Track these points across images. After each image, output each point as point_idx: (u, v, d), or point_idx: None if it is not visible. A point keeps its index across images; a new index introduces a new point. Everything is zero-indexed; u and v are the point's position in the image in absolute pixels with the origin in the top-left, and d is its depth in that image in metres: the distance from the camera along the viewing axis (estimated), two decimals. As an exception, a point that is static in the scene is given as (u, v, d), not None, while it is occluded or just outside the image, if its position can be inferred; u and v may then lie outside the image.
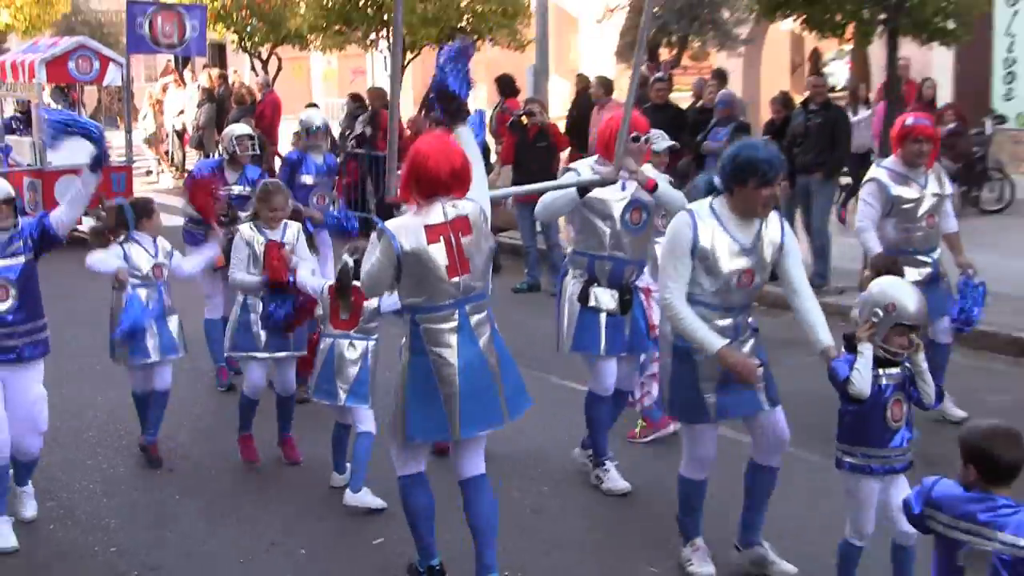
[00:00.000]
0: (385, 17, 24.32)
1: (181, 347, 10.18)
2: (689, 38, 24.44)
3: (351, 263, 8.79)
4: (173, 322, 10.11)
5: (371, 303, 8.86)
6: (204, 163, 14.26)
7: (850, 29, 15.84)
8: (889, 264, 8.44)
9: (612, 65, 30.07)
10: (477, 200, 7.07)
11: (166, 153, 31.38)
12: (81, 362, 12.83)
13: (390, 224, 6.98)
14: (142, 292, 9.87)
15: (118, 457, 10.38)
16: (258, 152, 13.51)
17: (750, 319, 7.55)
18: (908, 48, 16.98)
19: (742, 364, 7.11)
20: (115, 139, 27.39)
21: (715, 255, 7.19)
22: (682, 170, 17.51)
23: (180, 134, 30.54)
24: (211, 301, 12.46)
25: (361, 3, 24.64)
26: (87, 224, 17.73)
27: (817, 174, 15.70)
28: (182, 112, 30.30)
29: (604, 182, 8.53)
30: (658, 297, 7.52)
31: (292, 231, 10.06)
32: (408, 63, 25.60)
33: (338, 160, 14.85)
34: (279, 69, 31.18)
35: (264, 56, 31.01)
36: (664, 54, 24.72)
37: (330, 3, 24.98)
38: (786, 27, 24.67)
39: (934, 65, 24.83)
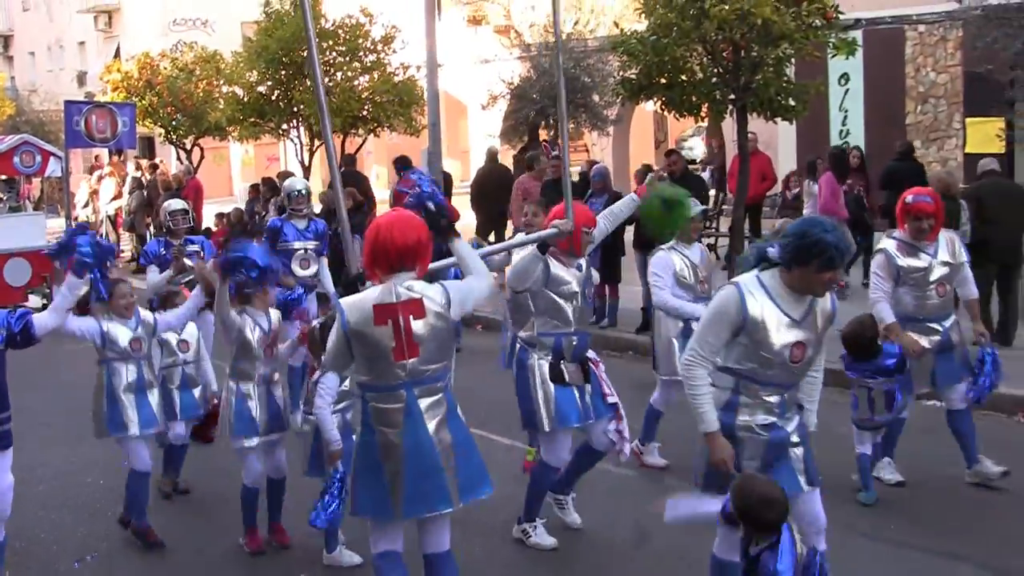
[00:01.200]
0: (295, 109, 24.40)
1: (162, 422, 9.43)
2: (565, 120, 24.54)
3: (317, 330, 8.21)
4: (154, 396, 9.31)
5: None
6: (150, 243, 13.67)
7: (705, 108, 16.00)
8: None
9: (497, 145, 30.22)
10: (449, 286, 6.48)
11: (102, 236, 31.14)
12: (31, 422, 12.31)
13: (344, 301, 6.52)
14: (120, 367, 9.16)
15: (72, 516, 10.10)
16: (191, 224, 13.31)
17: (799, 395, 6.68)
18: (756, 124, 17.18)
19: (721, 462, 6.39)
20: (57, 224, 27.31)
21: (765, 328, 6.32)
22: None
23: (113, 219, 30.31)
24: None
25: (273, 98, 24.70)
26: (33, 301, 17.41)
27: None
28: (115, 198, 30.10)
29: (561, 233, 8.15)
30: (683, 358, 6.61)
31: (275, 318, 9.14)
32: (316, 150, 25.62)
33: (326, 226, 13.89)
34: (202, 158, 31.15)
35: (188, 147, 30.92)
36: (543, 134, 24.81)
37: (246, 98, 25.03)
38: (650, 108, 24.90)
39: (779, 137, 25.20)
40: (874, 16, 23.36)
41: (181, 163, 31.40)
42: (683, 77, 15.32)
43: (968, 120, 23.19)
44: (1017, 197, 14.84)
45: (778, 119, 15.99)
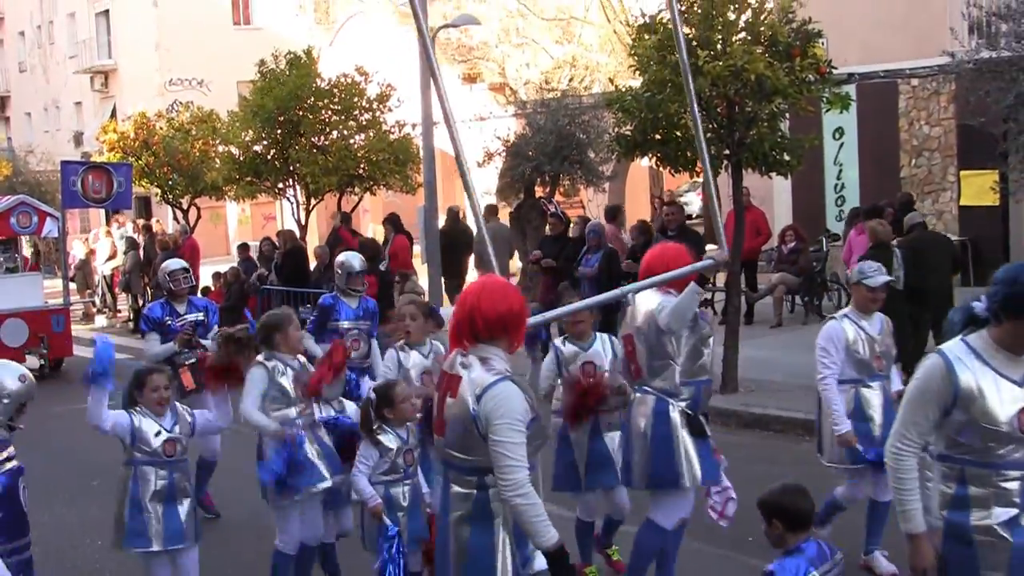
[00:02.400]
0: (291, 168, 24.50)
1: (192, 536, 8.16)
2: (560, 176, 24.65)
3: (374, 398, 7.97)
4: (184, 507, 8.12)
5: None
6: (151, 305, 12.44)
7: (699, 164, 16.07)
8: None
9: (493, 203, 30.33)
10: (496, 392, 5.59)
11: (97, 295, 31.23)
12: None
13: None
14: (149, 472, 7.99)
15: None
16: (193, 284, 12.49)
17: None
18: (750, 179, 17.26)
19: (922, 560, 5.51)
20: (55, 285, 27.36)
21: (984, 398, 5.30)
22: (562, 294, 17.66)
23: (109, 279, 30.43)
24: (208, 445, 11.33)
25: (269, 157, 24.81)
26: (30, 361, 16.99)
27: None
28: (111, 258, 30.25)
29: (717, 265, 8.03)
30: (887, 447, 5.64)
31: (304, 361, 8.82)
32: (312, 208, 25.72)
33: (373, 304, 12.82)
34: (198, 217, 31.20)
35: (184, 206, 31.01)
36: (539, 191, 24.91)
37: (242, 158, 25.12)
38: (645, 164, 25.03)
39: (775, 192, 25.29)
40: (867, 70, 23.51)
41: (177, 223, 31.50)
42: (678, 133, 15.41)
43: (962, 173, 23.32)
44: (945, 246, 16.07)
45: (773, 174, 16.05)
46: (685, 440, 7.99)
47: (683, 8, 14.95)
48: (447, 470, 5.92)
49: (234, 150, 25.99)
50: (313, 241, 27.32)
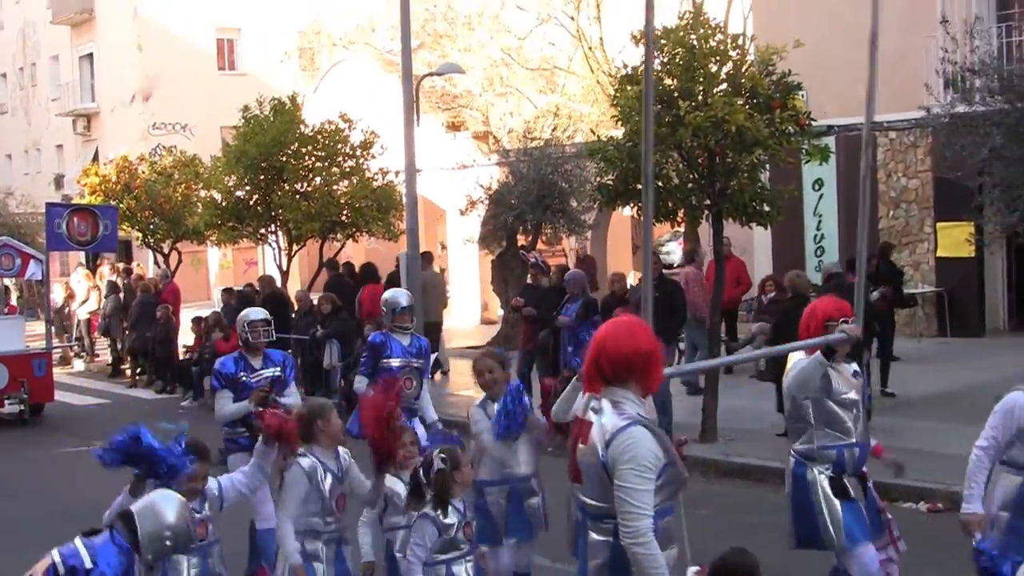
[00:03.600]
0: (274, 214, 24.57)
1: None
2: (542, 224, 24.81)
3: (440, 465, 7.19)
4: None
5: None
6: (224, 359, 11.04)
7: (681, 214, 16.21)
8: None
9: (475, 250, 30.49)
10: (627, 437, 5.45)
11: (77, 340, 31.18)
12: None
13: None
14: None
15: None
16: (274, 338, 11.21)
17: None
18: (731, 229, 17.43)
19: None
20: (36, 327, 27.36)
21: None
22: (543, 342, 17.82)
23: (88, 323, 30.40)
24: (262, 509, 10.02)
25: (252, 202, 24.88)
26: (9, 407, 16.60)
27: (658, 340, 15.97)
28: (86, 301, 30.26)
29: (849, 339, 7.67)
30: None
31: (345, 455, 8.11)
32: (295, 254, 25.80)
33: (425, 342, 12.38)
34: (179, 262, 31.22)
35: (166, 250, 31.04)
36: (521, 240, 25.07)
37: (224, 203, 25.19)
38: (627, 213, 25.20)
39: (755, 242, 25.49)
40: (846, 123, 23.74)
41: (159, 267, 31.51)
42: (659, 183, 15.54)
43: (939, 225, 23.56)
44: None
45: (753, 224, 16.21)
46: (828, 503, 7.84)
47: (665, 60, 15.15)
48: (585, 517, 5.75)
49: (216, 195, 26.06)
50: (295, 287, 27.39)
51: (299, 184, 24.62)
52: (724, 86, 15.11)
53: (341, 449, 8.07)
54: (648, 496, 5.35)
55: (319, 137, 25.00)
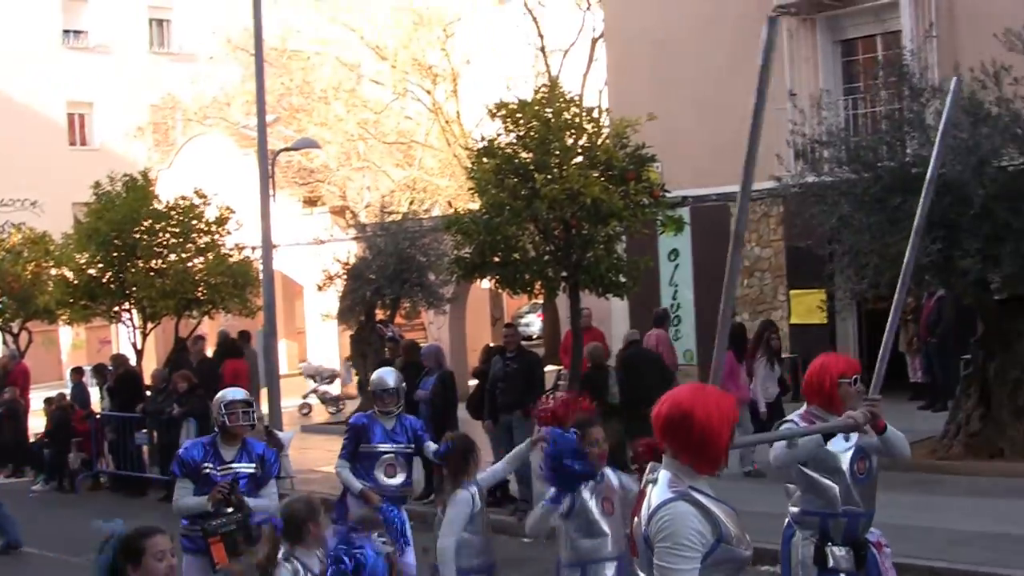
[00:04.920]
0: (127, 292, 24.21)
1: None
2: (400, 299, 24.79)
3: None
4: None
5: None
6: (192, 444, 9.68)
7: (538, 285, 16.29)
8: None
9: (334, 326, 30.33)
10: (666, 509, 5.11)
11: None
12: None
13: None
14: None
15: None
16: (255, 423, 10.00)
17: None
18: (589, 299, 17.56)
19: None
20: None
21: None
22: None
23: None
24: None
25: (104, 280, 24.50)
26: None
27: (517, 412, 16.02)
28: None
29: (856, 427, 7.18)
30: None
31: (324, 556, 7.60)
32: (150, 332, 25.43)
33: (421, 426, 11.42)
34: (30, 341, 30.56)
35: (15, 330, 30.39)
36: (379, 314, 25.00)
37: (76, 281, 24.78)
38: (485, 285, 25.31)
39: (612, 313, 25.69)
40: (700, 194, 24.16)
41: (7, 347, 30.81)
42: (516, 255, 15.63)
43: (792, 292, 23.98)
44: (656, 363, 17.31)
45: (610, 295, 16.35)
46: (805, 571, 7.56)
47: (521, 133, 15.29)
48: None
49: (68, 272, 25.63)
50: (150, 365, 26.96)
51: (153, 261, 24.30)
52: (579, 159, 15.28)
53: (320, 552, 7.62)
54: (691, 575, 5.00)
55: (173, 213, 24.74)
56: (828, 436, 7.31)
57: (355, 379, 26.69)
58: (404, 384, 11.58)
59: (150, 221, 24.36)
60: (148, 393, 21.47)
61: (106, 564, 5.85)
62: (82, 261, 24.89)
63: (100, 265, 24.55)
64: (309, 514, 7.57)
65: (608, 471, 8.18)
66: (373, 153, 43.46)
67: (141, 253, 24.14)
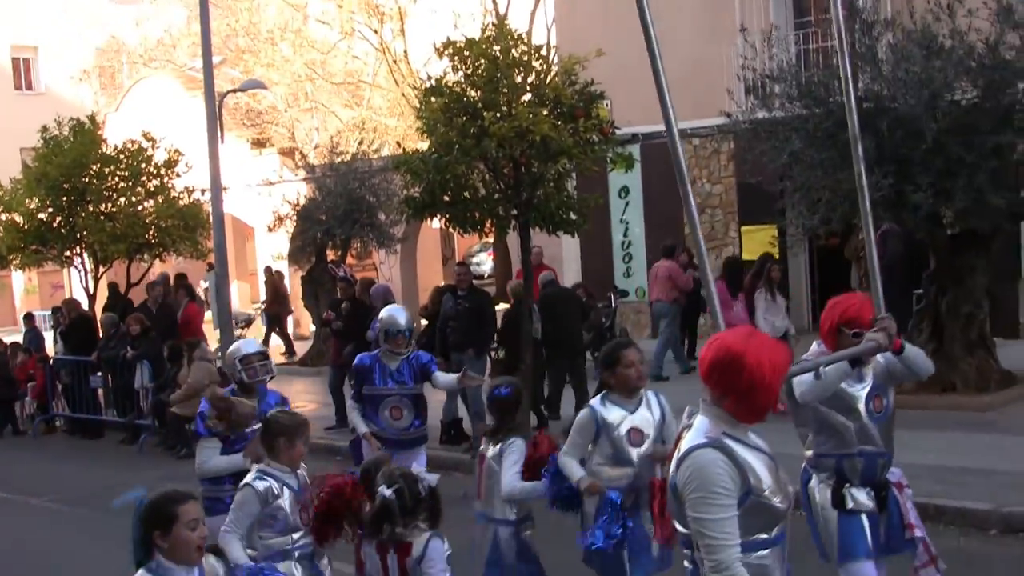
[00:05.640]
0: (78, 236, 24.00)
1: None
2: (351, 239, 24.67)
3: (389, 495, 6.38)
4: None
5: (415, 552, 6.32)
6: (206, 407, 8.92)
7: (488, 224, 16.22)
8: None
9: (285, 267, 30.17)
10: (693, 457, 4.88)
11: None
12: None
13: None
14: None
15: None
16: (274, 374, 9.51)
17: None
18: (540, 238, 17.51)
19: None
20: None
21: None
22: (346, 358, 17.75)
23: None
24: None
25: (55, 225, 24.27)
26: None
27: (469, 350, 15.99)
28: None
29: (880, 348, 6.88)
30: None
31: (304, 475, 7.40)
32: (101, 276, 25.22)
33: (429, 360, 10.92)
34: (-20, 288, 30.28)
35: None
36: (330, 255, 24.89)
37: (26, 226, 24.52)
38: (435, 225, 25.22)
39: (563, 250, 25.68)
40: (650, 131, 24.07)
41: (-42, 293, 30.56)
42: (466, 194, 15.53)
43: (743, 228, 24.01)
44: (575, 300, 17.93)
45: (561, 233, 16.30)
46: (825, 514, 7.34)
47: (469, 71, 15.15)
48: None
49: (18, 218, 25.34)
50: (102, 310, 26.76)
51: (103, 205, 24.12)
52: (528, 96, 15.16)
53: (302, 471, 7.36)
54: (728, 524, 4.74)
55: (122, 157, 24.53)
56: (855, 362, 6.98)
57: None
58: (414, 324, 11.11)
59: (99, 165, 24.14)
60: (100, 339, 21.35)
61: (135, 535, 5.45)
62: (32, 206, 24.63)
63: (50, 210, 24.33)
64: (286, 430, 7.22)
65: (651, 395, 7.80)
66: (321, 94, 43.16)
67: (91, 197, 23.94)
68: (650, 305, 21.41)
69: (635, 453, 7.60)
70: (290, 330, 30.11)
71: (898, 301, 19.57)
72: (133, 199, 24.55)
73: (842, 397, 7.15)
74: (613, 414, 7.66)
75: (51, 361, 22.47)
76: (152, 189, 24.76)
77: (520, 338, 16.18)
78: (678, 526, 5.00)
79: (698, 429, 4.93)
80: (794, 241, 18.84)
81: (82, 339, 21.76)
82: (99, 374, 20.73)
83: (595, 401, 7.80)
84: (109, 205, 24.27)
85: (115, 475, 17.05)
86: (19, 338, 25.29)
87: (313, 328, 26.84)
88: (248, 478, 7.14)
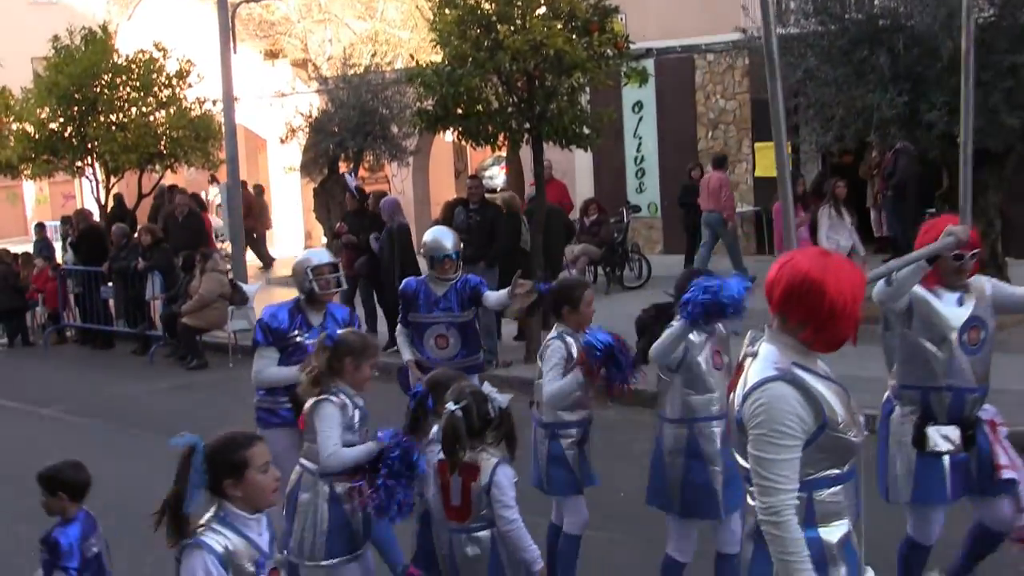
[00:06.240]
0: (89, 146, 23.96)
1: None
2: (364, 151, 24.58)
3: (458, 412, 6.08)
4: None
5: (482, 479, 6.04)
6: (276, 309, 8.70)
7: (501, 138, 16.17)
8: None
9: (297, 179, 30.09)
10: (762, 390, 4.51)
11: None
12: None
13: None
14: None
15: None
16: (344, 286, 9.35)
17: None
18: (552, 152, 17.43)
19: None
20: None
21: None
22: (358, 270, 17.77)
23: None
24: None
25: (66, 135, 24.21)
26: None
27: (480, 264, 15.98)
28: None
29: (959, 243, 6.49)
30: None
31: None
32: (113, 186, 25.19)
33: (479, 283, 9.91)
34: (-7, 197, 30.25)
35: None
36: (343, 167, 24.80)
37: (37, 136, 24.46)
38: (448, 138, 25.11)
39: (576, 165, 25.58)
40: (664, 46, 23.90)
41: (-30, 203, 30.54)
42: (479, 107, 15.47)
43: (756, 145, 23.86)
44: (560, 214, 18.05)
45: (574, 147, 16.23)
46: (904, 451, 6.99)
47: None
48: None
49: (29, 127, 25.27)
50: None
51: (114, 115, 24.05)
52: (542, 10, 15.05)
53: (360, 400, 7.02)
54: (788, 466, 4.42)
55: (133, 67, 24.42)
56: (932, 259, 6.55)
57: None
58: (462, 246, 10.11)
59: (110, 75, 24.04)
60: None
61: (200, 483, 4.97)
62: (43, 116, 24.55)
63: (61, 120, 24.27)
64: (353, 351, 6.91)
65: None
66: (334, 5, 42.89)
67: (102, 107, 23.86)
68: (699, 216, 21.33)
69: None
70: (272, 245, 30.46)
71: (911, 220, 19.57)
72: (144, 109, 24.47)
73: (935, 323, 6.78)
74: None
75: (62, 270, 22.51)
76: (164, 99, 24.68)
77: (517, 250, 16.27)
78: (740, 460, 4.70)
79: (766, 359, 4.58)
80: (807, 158, 18.74)
81: (92, 249, 21.78)
82: (110, 284, 20.75)
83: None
84: (120, 115, 24.18)
85: (126, 386, 17.13)
86: (30, 248, 25.31)
87: (324, 240, 26.81)
88: (322, 395, 6.83)
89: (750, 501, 4.65)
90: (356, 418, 6.86)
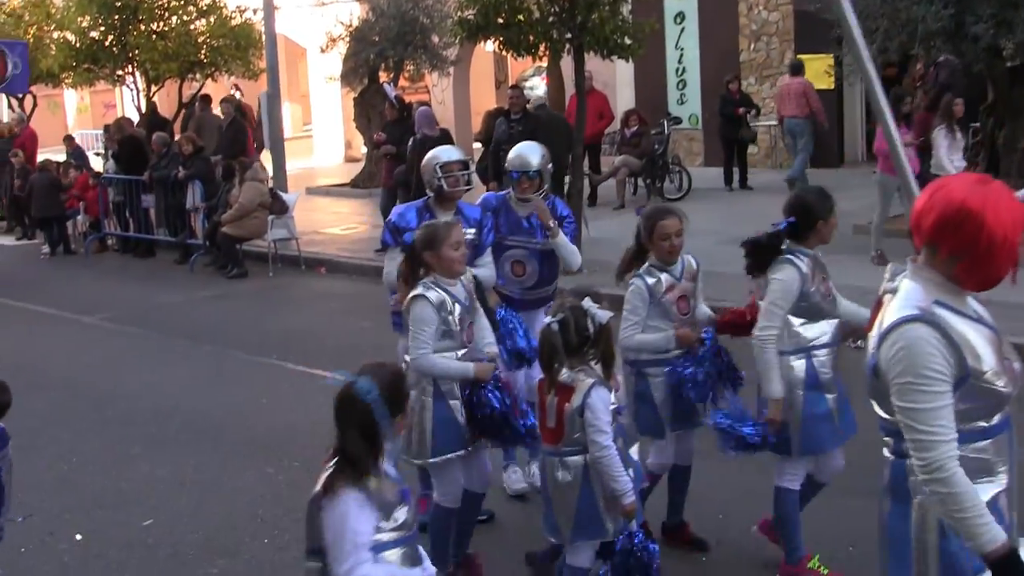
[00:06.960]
0: (130, 55, 23.94)
1: None
2: (404, 61, 24.47)
3: (554, 326, 5.81)
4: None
5: (575, 401, 5.72)
6: (404, 209, 8.20)
7: (542, 48, 16.06)
8: None
9: (337, 88, 30.00)
10: (898, 333, 3.99)
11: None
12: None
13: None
14: (392, 555, 4.63)
15: None
16: (472, 186, 8.37)
17: None
18: (594, 63, 17.29)
19: None
20: None
21: None
22: (398, 178, 17.74)
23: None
24: None
25: (107, 43, 24.20)
26: None
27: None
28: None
29: None
30: None
31: (469, 282, 6.83)
32: (154, 95, 25.21)
33: (567, 215, 8.71)
34: (35, 105, 30.24)
35: (20, 94, 30.08)
36: (383, 76, 24.71)
37: (78, 44, 24.46)
38: (489, 48, 24.96)
39: (617, 76, 25.40)
40: (707, -45, 23.62)
41: (13, 111, 30.51)
42: (520, 17, 15.35)
43: (799, 56, 23.62)
44: (563, 122, 17.56)
45: (615, 57, 16.09)
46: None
47: None
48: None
49: (70, 36, 25.27)
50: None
51: (155, 24, 24.04)
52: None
53: (465, 280, 6.76)
54: (943, 414, 3.93)
55: (174, -24, 24.35)
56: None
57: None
58: (551, 164, 8.82)
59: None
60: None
61: (379, 403, 4.52)
62: (84, 24, 24.55)
63: (102, 28, 24.26)
64: (425, 243, 6.58)
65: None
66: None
67: (143, 16, 23.84)
68: (780, 123, 21.19)
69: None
70: (312, 155, 30.40)
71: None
72: (185, 18, 24.47)
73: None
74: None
75: (102, 179, 22.54)
76: (204, 8, 24.68)
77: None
78: (878, 410, 4.22)
79: (906, 297, 4.08)
80: (850, 71, 18.52)
81: (132, 159, 21.78)
82: (151, 194, 20.76)
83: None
84: (161, 24, 24.19)
85: (167, 294, 17.20)
86: (51, 158, 25.35)
87: (364, 150, 26.76)
88: (417, 289, 6.52)
89: (886, 453, 4.26)
90: (456, 313, 6.56)
